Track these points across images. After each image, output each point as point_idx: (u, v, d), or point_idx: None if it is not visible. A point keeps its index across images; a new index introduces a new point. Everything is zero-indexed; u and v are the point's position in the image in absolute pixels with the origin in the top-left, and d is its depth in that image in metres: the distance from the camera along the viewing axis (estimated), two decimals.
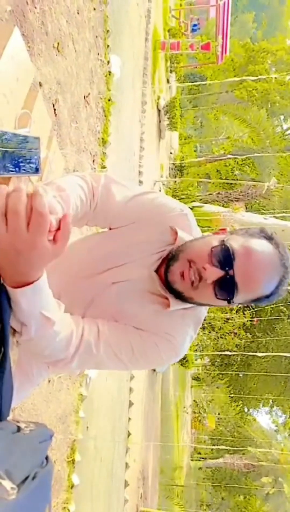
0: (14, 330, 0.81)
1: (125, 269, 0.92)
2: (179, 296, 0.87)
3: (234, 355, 12.85)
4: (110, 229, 1.00)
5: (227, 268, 0.80)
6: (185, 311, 0.92)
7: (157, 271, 0.93)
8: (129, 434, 5.97)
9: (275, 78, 16.72)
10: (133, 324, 0.90)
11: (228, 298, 0.82)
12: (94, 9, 3.74)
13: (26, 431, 0.63)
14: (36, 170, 0.80)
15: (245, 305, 0.90)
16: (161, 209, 0.94)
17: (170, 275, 0.86)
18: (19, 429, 0.63)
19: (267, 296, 0.84)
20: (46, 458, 0.63)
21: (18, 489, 0.47)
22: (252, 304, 0.89)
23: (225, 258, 0.80)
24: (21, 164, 0.76)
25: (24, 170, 0.77)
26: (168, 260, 0.89)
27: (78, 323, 0.84)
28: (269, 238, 0.85)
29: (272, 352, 12.30)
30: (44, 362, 0.93)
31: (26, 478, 0.51)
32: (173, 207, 0.95)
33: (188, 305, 0.90)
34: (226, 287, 0.81)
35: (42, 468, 0.55)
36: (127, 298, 0.91)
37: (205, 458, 20.04)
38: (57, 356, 0.81)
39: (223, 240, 0.82)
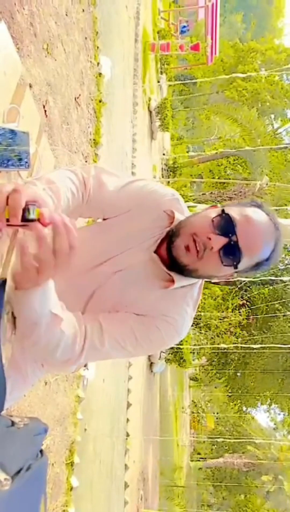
0: (14, 326, 0.81)
1: (125, 256, 0.93)
2: (183, 271, 0.90)
3: (230, 352, 12.88)
4: (104, 219, 1.00)
5: (230, 235, 0.84)
6: (184, 289, 0.94)
7: (156, 252, 0.95)
8: (127, 435, 5.95)
9: (265, 77, 16.84)
10: (135, 311, 0.92)
11: (234, 263, 0.86)
12: (83, 10, 3.75)
13: (20, 425, 0.63)
14: (26, 165, 0.79)
15: (247, 274, 0.94)
16: (153, 195, 0.97)
17: (174, 250, 0.88)
18: (13, 423, 0.63)
19: (266, 260, 0.89)
20: (41, 451, 0.63)
21: (12, 480, 0.47)
22: (253, 272, 0.93)
23: (227, 225, 0.85)
24: (10, 159, 0.75)
25: (13, 164, 0.77)
26: (170, 237, 0.91)
27: (80, 322, 0.86)
28: (260, 206, 0.90)
29: (269, 350, 12.34)
30: (52, 365, 0.95)
31: (20, 470, 0.51)
32: (164, 192, 0.98)
33: (192, 281, 0.94)
34: (231, 252, 0.85)
35: (36, 460, 0.55)
36: (130, 285, 0.93)
37: (205, 458, 20.04)
38: (67, 355, 0.83)
39: (223, 209, 0.87)
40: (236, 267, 0.87)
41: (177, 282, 0.91)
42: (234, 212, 0.86)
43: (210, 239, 0.84)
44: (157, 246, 0.95)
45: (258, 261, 0.89)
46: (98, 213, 0.99)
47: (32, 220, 0.62)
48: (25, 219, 0.61)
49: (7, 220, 0.61)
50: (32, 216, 0.61)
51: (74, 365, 0.88)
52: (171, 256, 0.89)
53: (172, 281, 0.91)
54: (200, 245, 0.85)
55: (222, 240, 0.84)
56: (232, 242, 0.84)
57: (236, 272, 0.90)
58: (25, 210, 0.61)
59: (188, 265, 0.88)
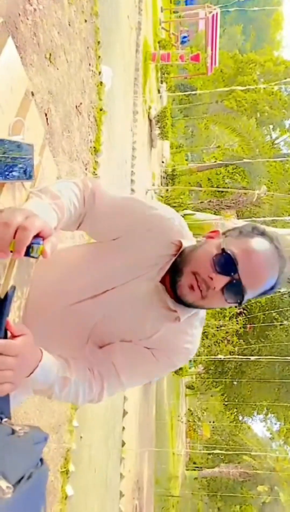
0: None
1: (130, 286, 0.92)
2: (188, 306, 0.91)
3: (227, 360, 12.83)
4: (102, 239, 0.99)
5: (232, 273, 0.83)
6: (192, 317, 0.95)
7: (161, 282, 0.94)
8: (123, 444, 5.91)
9: (264, 88, 17.04)
10: (145, 345, 0.94)
11: (239, 301, 0.86)
12: (85, 21, 3.81)
13: (21, 434, 0.64)
14: (30, 176, 0.81)
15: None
16: (159, 222, 0.93)
17: (179, 290, 0.88)
18: (13, 431, 0.64)
19: (271, 288, 0.89)
20: (41, 460, 0.63)
21: (13, 489, 0.48)
22: (259, 298, 0.93)
23: (228, 264, 0.83)
24: (14, 170, 0.77)
25: (18, 177, 0.78)
26: (173, 274, 0.91)
27: (91, 366, 0.91)
28: (263, 234, 0.88)
29: (265, 359, 12.31)
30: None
31: (22, 478, 0.51)
32: (169, 217, 0.94)
33: (194, 311, 0.95)
34: (234, 290, 0.85)
35: (37, 469, 0.56)
36: (135, 315, 0.93)
37: (201, 468, 19.84)
38: (89, 399, 0.91)
39: (223, 248, 0.85)
40: (240, 304, 0.87)
41: (182, 317, 0.92)
42: (235, 247, 0.84)
43: (211, 278, 0.84)
44: (163, 276, 0.94)
45: (263, 291, 0.89)
46: (92, 229, 0.98)
47: (34, 257, 0.65)
48: (28, 254, 0.64)
49: (11, 251, 0.64)
50: (34, 254, 0.64)
51: (100, 401, 0.95)
52: (176, 294, 0.90)
53: (178, 318, 0.93)
54: (203, 285, 0.85)
55: (224, 280, 0.84)
56: (234, 281, 0.83)
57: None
58: (29, 247, 0.64)
59: (193, 302, 0.88)
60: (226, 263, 0.84)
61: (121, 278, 0.93)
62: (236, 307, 0.93)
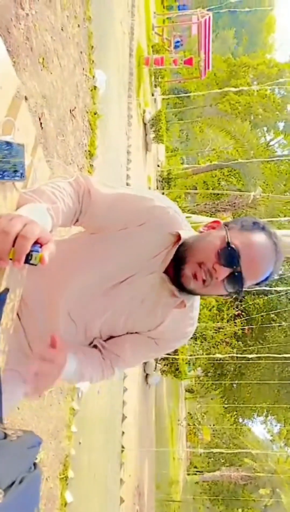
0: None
1: (137, 281, 0.97)
2: (189, 293, 0.97)
3: (226, 363, 12.81)
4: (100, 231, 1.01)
5: (234, 266, 0.90)
6: (194, 300, 1.05)
7: (165, 272, 0.99)
8: (123, 449, 5.86)
9: (257, 90, 17.16)
10: (150, 335, 1.03)
11: (238, 290, 0.93)
12: (78, 25, 3.82)
13: (14, 438, 0.63)
14: (21, 176, 0.80)
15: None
16: (156, 212, 0.97)
17: (182, 278, 0.94)
18: (6, 436, 0.63)
19: (266, 279, 0.96)
20: (34, 464, 0.62)
21: (4, 494, 0.47)
22: (253, 287, 1.00)
23: (232, 257, 0.90)
24: (5, 170, 0.76)
25: (8, 176, 0.77)
26: (177, 262, 0.96)
27: (104, 357, 1.05)
28: (263, 229, 0.95)
29: (265, 361, 12.30)
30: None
31: (13, 483, 0.50)
32: (163, 206, 0.97)
33: (197, 296, 1.03)
34: (235, 281, 0.92)
35: (29, 473, 0.55)
36: (146, 310, 0.99)
37: (202, 472, 19.73)
38: (102, 379, 1.08)
39: (228, 241, 0.91)
40: (239, 293, 0.94)
41: (188, 302, 1.00)
42: (238, 240, 0.91)
43: (215, 269, 0.90)
44: (166, 266, 0.99)
45: (259, 281, 0.96)
46: (92, 223, 1.00)
47: (33, 265, 0.66)
48: (27, 262, 0.66)
49: (10, 259, 0.65)
50: (34, 262, 0.66)
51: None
52: (179, 281, 0.95)
53: (184, 304, 1.00)
54: (206, 275, 0.91)
55: (226, 271, 0.90)
56: (236, 273, 0.90)
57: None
58: (29, 254, 0.65)
59: (195, 290, 0.95)
60: (230, 256, 0.90)
61: (126, 271, 0.96)
62: (233, 296, 0.99)
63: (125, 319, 0.99)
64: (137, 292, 0.97)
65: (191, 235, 0.99)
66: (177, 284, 0.96)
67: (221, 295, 1.01)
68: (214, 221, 0.98)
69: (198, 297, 1.06)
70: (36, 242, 0.66)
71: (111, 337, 1.05)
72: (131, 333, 1.03)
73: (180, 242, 0.95)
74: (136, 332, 1.03)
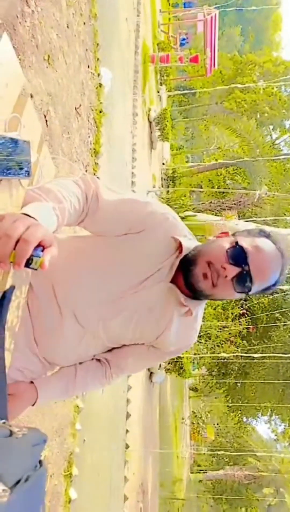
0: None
1: (144, 292, 0.98)
2: (199, 296, 0.99)
3: (231, 362, 12.79)
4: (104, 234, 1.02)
5: (243, 265, 0.92)
6: (199, 310, 1.06)
7: (172, 281, 1.01)
8: (127, 447, 5.87)
9: (263, 88, 17.05)
10: (154, 344, 1.05)
11: (247, 290, 0.94)
12: (84, 23, 3.81)
13: (19, 435, 0.63)
14: (27, 173, 0.80)
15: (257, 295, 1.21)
16: (155, 218, 0.99)
17: (192, 278, 0.96)
18: (11, 433, 0.63)
19: (273, 285, 0.98)
20: (40, 462, 0.62)
21: (10, 492, 0.47)
22: (261, 294, 1.05)
23: (240, 256, 0.93)
24: (11, 167, 0.76)
25: (14, 173, 0.77)
26: (186, 264, 0.98)
27: (106, 367, 1.09)
28: (268, 236, 0.98)
29: (269, 360, 12.26)
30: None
31: (19, 481, 0.50)
32: (162, 212, 1.00)
33: (204, 303, 1.06)
34: (243, 280, 0.93)
35: (35, 471, 0.54)
36: (154, 319, 1.01)
37: (205, 471, 19.74)
38: (99, 388, 1.10)
39: (236, 242, 0.94)
40: (247, 294, 0.96)
41: (194, 310, 1.02)
42: (246, 243, 0.94)
43: (224, 268, 0.92)
44: (173, 275, 1.01)
45: (267, 286, 0.98)
46: (94, 226, 1.00)
47: (33, 269, 0.66)
48: (27, 266, 0.65)
49: (11, 262, 0.64)
50: (34, 266, 0.65)
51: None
52: (188, 282, 0.97)
53: (190, 312, 1.01)
54: (215, 274, 0.93)
55: (235, 270, 0.92)
56: (244, 272, 0.92)
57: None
58: (30, 258, 0.64)
59: (204, 290, 0.96)
60: (238, 255, 0.92)
61: (132, 279, 0.98)
62: (242, 298, 1.01)
63: (133, 328, 1.00)
64: (145, 301, 0.98)
65: (195, 244, 1.01)
66: (186, 285, 0.98)
67: (229, 299, 1.03)
68: (223, 232, 1.02)
69: (202, 309, 1.07)
70: (38, 245, 0.65)
71: (113, 349, 1.07)
72: (136, 344, 1.05)
73: (183, 253, 0.97)
74: (141, 344, 1.06)
